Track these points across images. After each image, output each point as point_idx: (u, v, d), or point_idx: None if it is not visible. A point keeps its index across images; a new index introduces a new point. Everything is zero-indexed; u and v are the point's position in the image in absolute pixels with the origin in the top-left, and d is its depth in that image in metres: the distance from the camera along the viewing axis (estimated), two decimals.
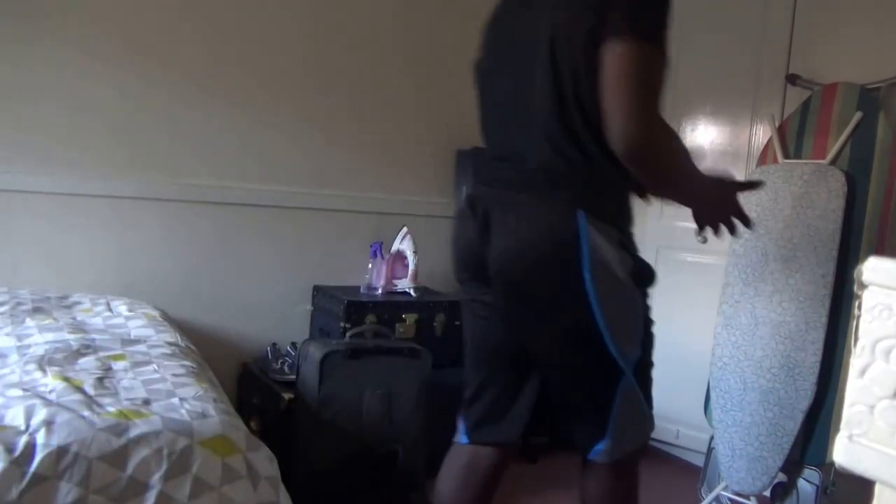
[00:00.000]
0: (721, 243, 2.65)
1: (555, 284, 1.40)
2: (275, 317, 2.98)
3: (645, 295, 1.53)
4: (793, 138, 2.50)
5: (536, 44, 1.38)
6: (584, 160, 1.36)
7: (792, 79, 2.63)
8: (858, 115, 2.32)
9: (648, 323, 1.54)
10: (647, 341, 1.52)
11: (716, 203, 1.53)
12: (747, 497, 2.35)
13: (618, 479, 1.56)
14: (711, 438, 2.51)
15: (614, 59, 1.25)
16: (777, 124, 2.55)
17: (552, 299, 1.43)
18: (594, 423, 1.48)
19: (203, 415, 1.44)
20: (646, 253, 3.59)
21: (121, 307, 2.32)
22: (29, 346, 1.79)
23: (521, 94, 1.44)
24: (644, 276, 1.51)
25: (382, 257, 2.97)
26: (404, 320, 2.83)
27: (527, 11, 1.44)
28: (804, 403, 2.22)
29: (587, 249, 1.34)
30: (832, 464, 2.17)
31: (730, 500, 2.42)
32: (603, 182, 1.40)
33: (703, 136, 3.01)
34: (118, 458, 1.28)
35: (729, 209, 1.54)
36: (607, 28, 1.26)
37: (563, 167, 1.38)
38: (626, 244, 1.45)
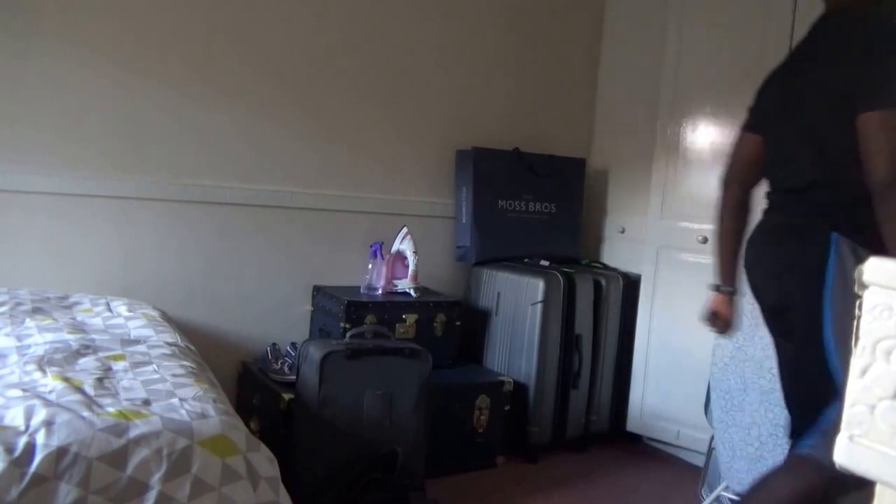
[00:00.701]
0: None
1: (798, 299, 1.61)
2: (275, 317, 2.98)
3: None
4: None
5: (806, 98, 1.67)
6: (842, 193, 1.59)
7: None
8: None
9: None
10: None
11: None
12: None
13: (804, 480, 1.60)
14: (711, 438, 2.51)
15: (865, 128, 1.49)
16: None
17: (796, 312, 1.63)
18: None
19: (203, 415, 1.44)
20: (646, 253, 3.58)
21: (120, 307, 2.32)
22: (29, 347, 1.79)
23: (791, 136, 1.71)
24: None
25: (382, 258, 2.97)
26: (404, 320, 2.83)
27: (804, 64, 1.72)
28: None
29: (833, 266, 1.54)
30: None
31: (730, 500, 2.42)
32: (863, 209, 1.54)
33: (704, 137, 3.00)
34: (118, 458, 1.28)
35: None
36: (860, 97, 1.50)
37: (825, 198, 1.61)
38: None
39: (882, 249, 1.54)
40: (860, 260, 1.48)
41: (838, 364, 1.54)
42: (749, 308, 2.39)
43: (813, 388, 1.62)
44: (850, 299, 1.44)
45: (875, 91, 1.49)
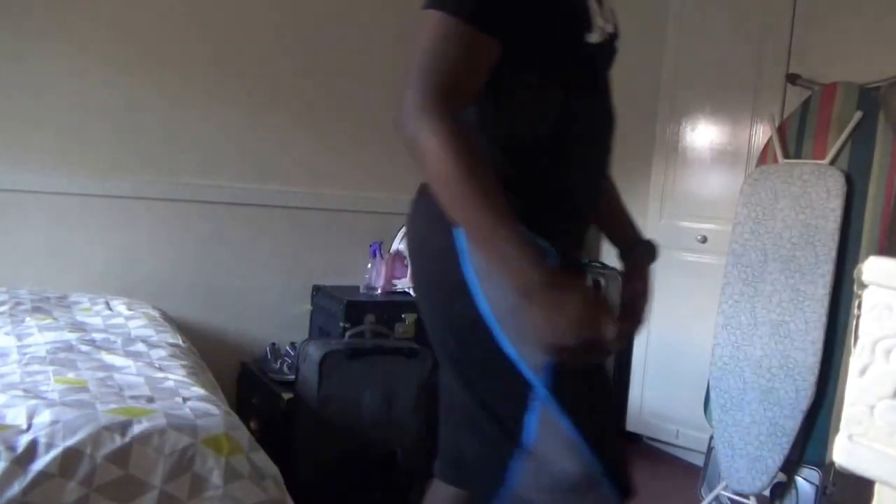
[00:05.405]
0: (722, 243, 2.67)
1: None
2: (274, 317, 2.98)
3: None
4: (793, 138, 2.50)
5: None
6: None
7: (792, 78, 2.63)
8: (858, 114, 2.32)
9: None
10: None
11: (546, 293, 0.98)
12: (747, 497, 2.35)
13: None
14: (711, 438, 2.51)
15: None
16: (777, 124, 2.55)
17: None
18: None
19: (206, 414, 1.44)
20: None
21: (120, 307, 2.32)
22: (29, 346, 1.80)
23: None
24: None
25: (382, 257, 2.97)
26: (404, 320, 2.83)
27: None
28: (804, 403, 2.23)
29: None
30: (832, 464, 2.18)
31: (730, 499, 2.42)
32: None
33: (703, 136, 3.01)
34: (121, 456, 1.28)
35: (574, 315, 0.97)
36: None
37: None
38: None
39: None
40: None
41: (514, 347, 1.08)
42: (748, 308, 2.40)
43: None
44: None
45: None
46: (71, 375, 1.57)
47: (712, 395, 2.45)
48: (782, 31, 2.73)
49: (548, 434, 1.09)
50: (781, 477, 2.33)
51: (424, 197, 1.16)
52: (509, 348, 1.08)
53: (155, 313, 2.33)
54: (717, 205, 2.89)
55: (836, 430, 0.77)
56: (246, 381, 2.82)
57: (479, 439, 1.17)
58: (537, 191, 1.11)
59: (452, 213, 1.02)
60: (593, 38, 1.13)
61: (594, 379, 1.18)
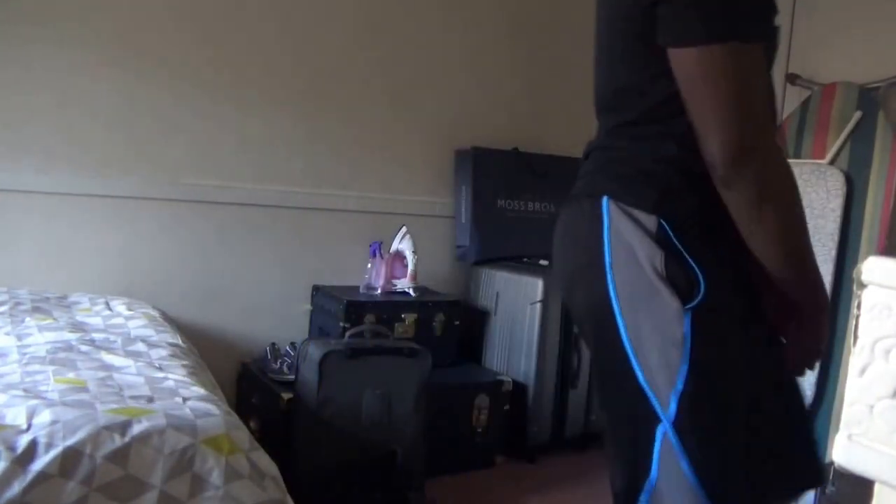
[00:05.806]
0: None
1: (575, 292, 1.20)
2: (274, 317, 2.98)
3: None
4: (792, 138, 2.50)
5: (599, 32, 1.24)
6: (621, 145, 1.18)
7: (791, 78, 2.63)
8: (858, 114, 2.32)
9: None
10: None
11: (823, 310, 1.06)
12: None
13: None
14: None
15: (679, 69, 1.02)
16: (776, 124, 2.55)
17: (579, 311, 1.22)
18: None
19: (206, 414, 1.44)
20: None
21: (120, 307, 2.32)
22: (29, 346, 1.79)
23: (596, 84, 1.29)
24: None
25: (381, 257, 2.97)
26: (403, 320, 2.84)
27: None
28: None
29: (608, 241, 1.10)
30: (832, 463, 2.18)
31: None
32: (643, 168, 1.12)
33: None
34: (120, 456, 1.28)
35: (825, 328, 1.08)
36: (660, 28, 1.03)
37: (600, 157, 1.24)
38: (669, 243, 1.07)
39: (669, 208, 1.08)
40: (639, 225, 1.06)
41: (644, 373, 1.07)
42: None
43: (621, 412, 1.17)
44: (642, 279, 1.05)
45: (685, 15, 1.00)
46: (71, 375, 1.57)
47: None
48: (782, 32, 2.73)
49: (666, 472, 1.07)
50: None
51: (580, 209, 1.19)
52: (640, 374, 1.08)
53: (155, 313, 2.33)
54: None
55: (836, 430, 0.77)
56: (246, 381, 2.82)
57: (617, 463, 1.21)
58: None
59: (789, 246, 1.02)
60: (777, 20, 1.13)
61: (759, 414, 1.06)
